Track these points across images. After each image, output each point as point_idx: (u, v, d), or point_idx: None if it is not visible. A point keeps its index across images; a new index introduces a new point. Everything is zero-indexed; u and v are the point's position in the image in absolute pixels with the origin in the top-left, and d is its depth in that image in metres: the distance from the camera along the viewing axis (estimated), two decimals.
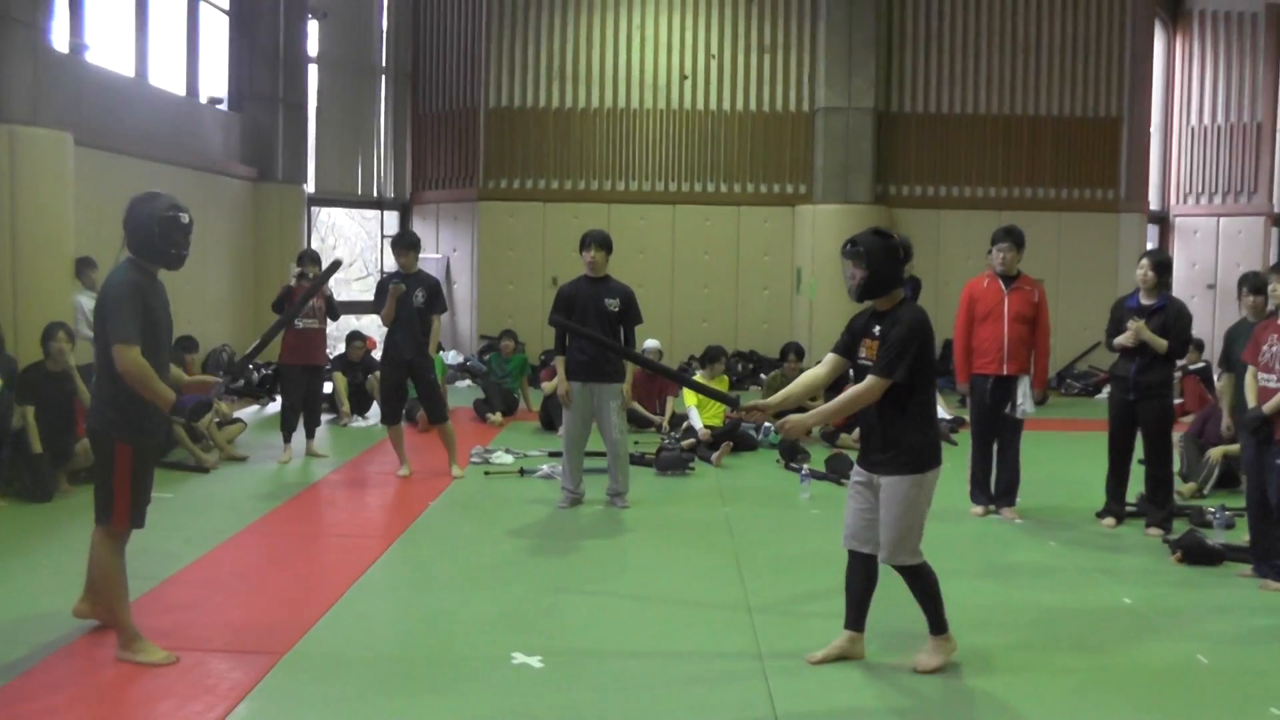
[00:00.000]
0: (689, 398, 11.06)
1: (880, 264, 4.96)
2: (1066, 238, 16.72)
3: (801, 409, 5.37)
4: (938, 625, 5.09)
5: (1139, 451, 7.87)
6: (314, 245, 18.17)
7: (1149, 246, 16.52)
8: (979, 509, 8.24)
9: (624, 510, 8.26)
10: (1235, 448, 9.09)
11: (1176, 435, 8.37)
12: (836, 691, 4.85)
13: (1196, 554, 6.94)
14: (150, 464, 5.14)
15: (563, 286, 8.34)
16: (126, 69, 12.93)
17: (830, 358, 5.24)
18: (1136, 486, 8.11)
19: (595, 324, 8.04)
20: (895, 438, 4.93)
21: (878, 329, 4.99)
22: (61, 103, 10.28)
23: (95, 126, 11.44)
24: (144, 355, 4.89)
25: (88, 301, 10.27)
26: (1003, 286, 8.07)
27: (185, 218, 5.11)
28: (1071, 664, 5.22)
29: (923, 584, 5.07)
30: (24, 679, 4.79)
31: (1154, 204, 18.27)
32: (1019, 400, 7.95)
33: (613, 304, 8.14)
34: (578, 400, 8.20)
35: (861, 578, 5.18)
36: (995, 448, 8.17)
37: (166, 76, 13.97)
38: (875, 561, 5.11)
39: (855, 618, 5.23)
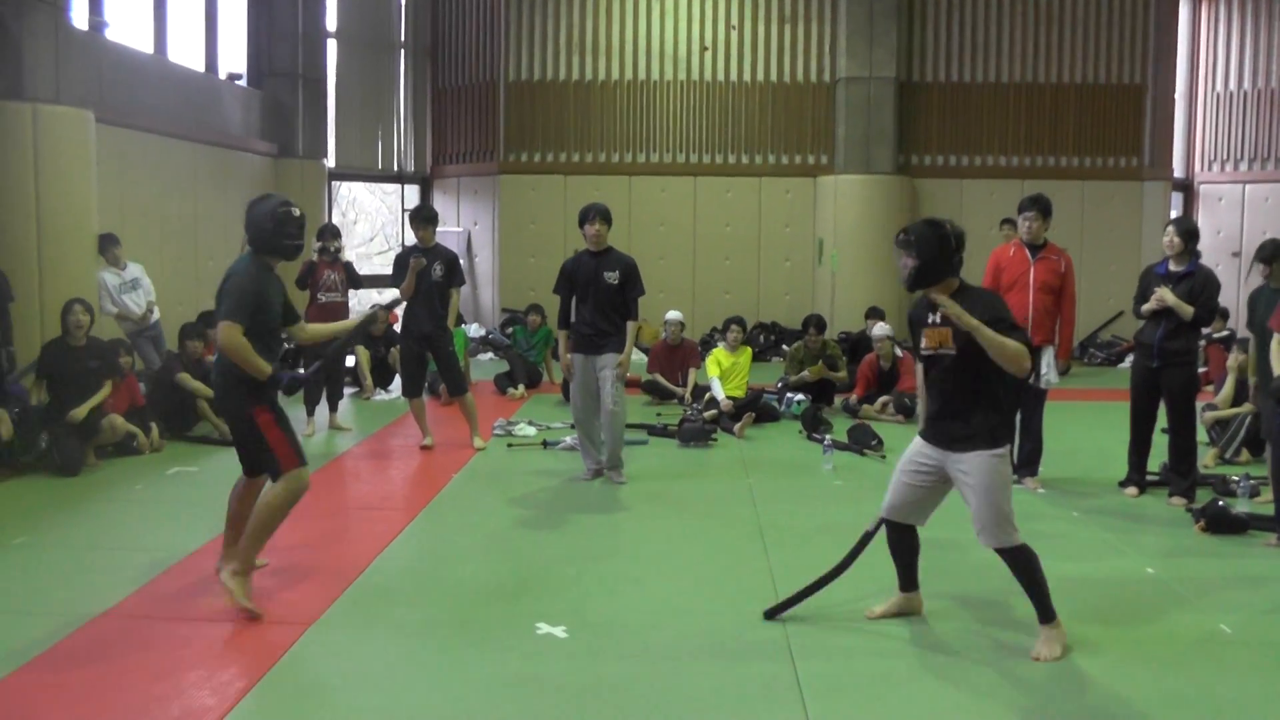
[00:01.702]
0: (711, 369, 11.07)
1: (931, 252, 4.92)
2: (1090, 206, 16.61)
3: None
4: (1045, 613, 4.94)
5: (1162, 420, 7.84)
6: (335, 220, 18.22)
7: (1173, 214, 16.41)
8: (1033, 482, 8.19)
9: (621, 484, 8.21)
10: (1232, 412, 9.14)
11: (1200, 404, 8.32)
12: (861, 660, 4.86)
13: (1220, 523, 6.91)
14: (281, 409, 5.48)
15: (565, 262, 8.38)
16: (146, 46, 12.96)
17: (918, 366, 5.25)
18: (1159, 456, 8.08)
19: (596, 297, 8.10)
20: (979, 413, 4.90)
21: (935, 317, 4.97)
22: (83, 81, 10.33)
23: (116, 104, 11.48)
24: (252, 336, 5.29)
25: (111, 278, 10.35)
26: (1029, 255, 8.02)
27: (296, 211, 5.54)
28: (1094, 634, 5.21)
29: (1026, 566, 4.94)
30: (57, 649, 4.86)
31: (1178, 171, 18.12)
32: (1043, 370, 7.91)
33: (612, 277, 8.13)
34: (581, 372, 8.23)
35: (907, 543, 5.29)
36: (1019, 418, 8.14)
37: (186, 53, 14.00)
38: (914, 530, 5.22)
39: (907, 580, 5.33)
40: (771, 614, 5.29)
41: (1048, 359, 7.93)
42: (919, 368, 5.25)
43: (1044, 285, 7.94)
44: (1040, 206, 8.04)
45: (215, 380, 5.56)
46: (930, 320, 5.00)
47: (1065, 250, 8.26)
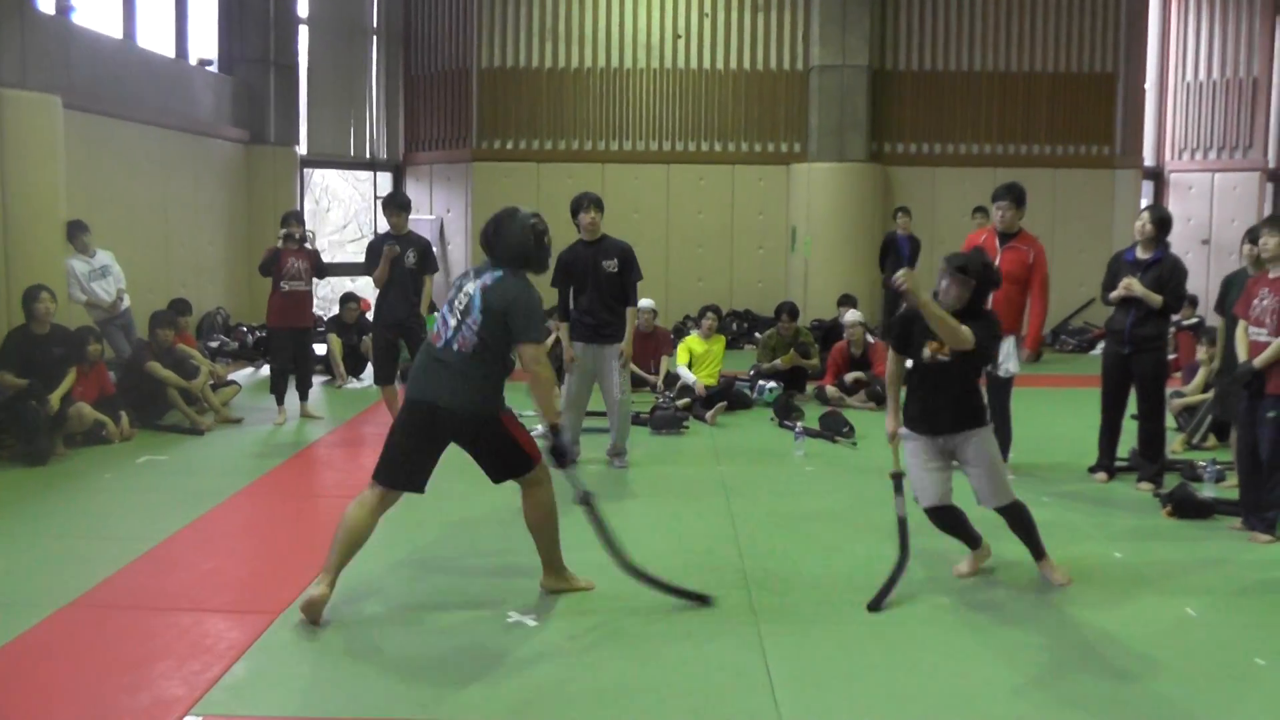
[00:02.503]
0: (681, 356, 11.08)
1: (983, 286, 5.58)
2: (1062, 194, 16.70)
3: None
4: (1038, 552, 5.78)
5: (1132, 407, 7.90)
6: (307, 207, 18.15)
7: (1144, 202, 16.52)
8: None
9: (624, 469, 8.29)
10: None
11: (1169, 390, 8.39)
12: (828, 647, 4.89)
13: (1187, 508, 6.98)
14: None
15: (561, 253, 8.14)
16: (115, 31, 12.85)
17: (894, 355, 5.79)
18: (1129, 442, 8.14)
19: (594, 285, 8.08)
20: (974, 400, 5.65)
21: None
22: (50, 66, 10.23)
23: (84, 89, 11.38)
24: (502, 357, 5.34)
25: (80, 265, 10.27)
26: (998, 245, 8.05)
27: (543, 223, 5.53)
28: (1062, 616, 5.27)
29: (1022, 517, 5.74)
30: (24, 638, 4.83)
31: (1149, 160, 18.23)
32: (1001, 359, 7.93)
33: (610, 265, 8.13)
34: (582, 361, 8.21)
35: (954, 517, 5.73)
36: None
37: (156, 38, 13.88)
38: (953, 506, 5.72)
39: (972, 540, 5.82)
40: (874, 606, 5.39)
41: (1008, 348, 7.92)
42: (893, 358, 5.77)
43: (1008, 275, 7.93)
44: (1014, 196, 8.05)
45: (463, 387, 5.19)
46: None
47: (1038, 239, 8.28)
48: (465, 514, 7.04)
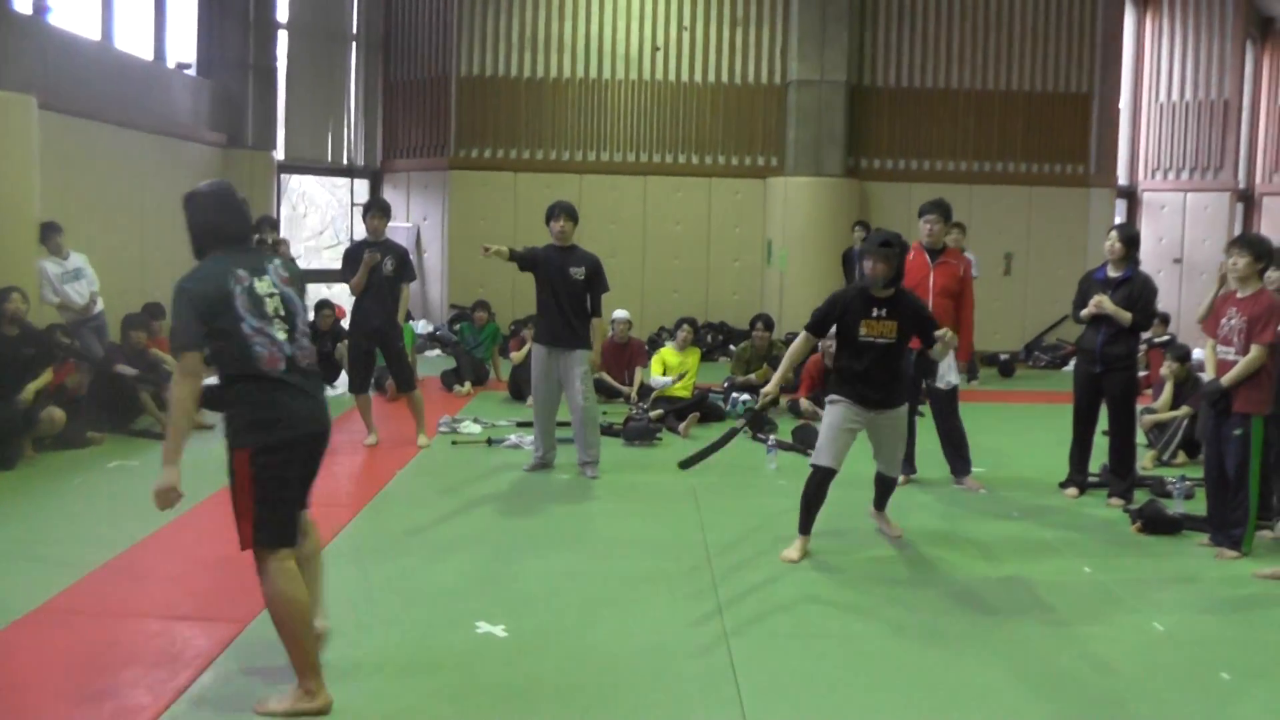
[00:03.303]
0: (655, 368, 11.10)
1: (901, 261, 6.29)
2: (1036, 212, 16.79)
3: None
4: (882, 503, 6.96)
5: (1103, 423, 7.95)
6: (284, 212, 18.06)
7: (1117, 221, 16.63)
8: (902, 477, 8.09)
9: (596, 479, 8.29)
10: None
11: (1140, 407, 8.45)
12: (798, 660, 4.90)
13: (1156, 524, 7.03)
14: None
15: (533, 246, 8.47)
16: (93, 32, 12.78)
17: (805, 335, 6.43)
18: (1100, 458, 8.20)
19: (562, 291, 8.18)
20: (899, 382, 6.41)
21: (880, 311, 6.19)
22: (25, 66, 10.16)
23: (60, 90, 11.30)
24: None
25: (53, 267, 10.19)
26: (929, 260, 8.07)
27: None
28: (1031, 632, 5.29)
29: (892, 485, 6.90)
30: None
31: (1122, 179, 18.36)
32: (942, 371, 7.97)
33: (578, 272, 8.22)
34: (544, 363, 8.28)
35: (827, 484, 6.36)
36: (936, 425, 8.24)
37: (133, 40, 13.81)
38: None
39: (810, 523, 6.40)
40: (685, 465, 6.85)
41: (947, 361, 7.95)
42: (804, 339, 6.42)
43: (943, 290, 8.00)
44: (941, 210, 8.12)
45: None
46: (875, 314, 6.19)
47: (965, 254, 8.32)
48: (435, 525, 7.02)
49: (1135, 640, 5.24)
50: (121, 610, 5.28)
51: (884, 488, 6.86)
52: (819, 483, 6.35)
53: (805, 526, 6.39)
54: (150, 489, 4.20)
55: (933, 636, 5.20)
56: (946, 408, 8.20)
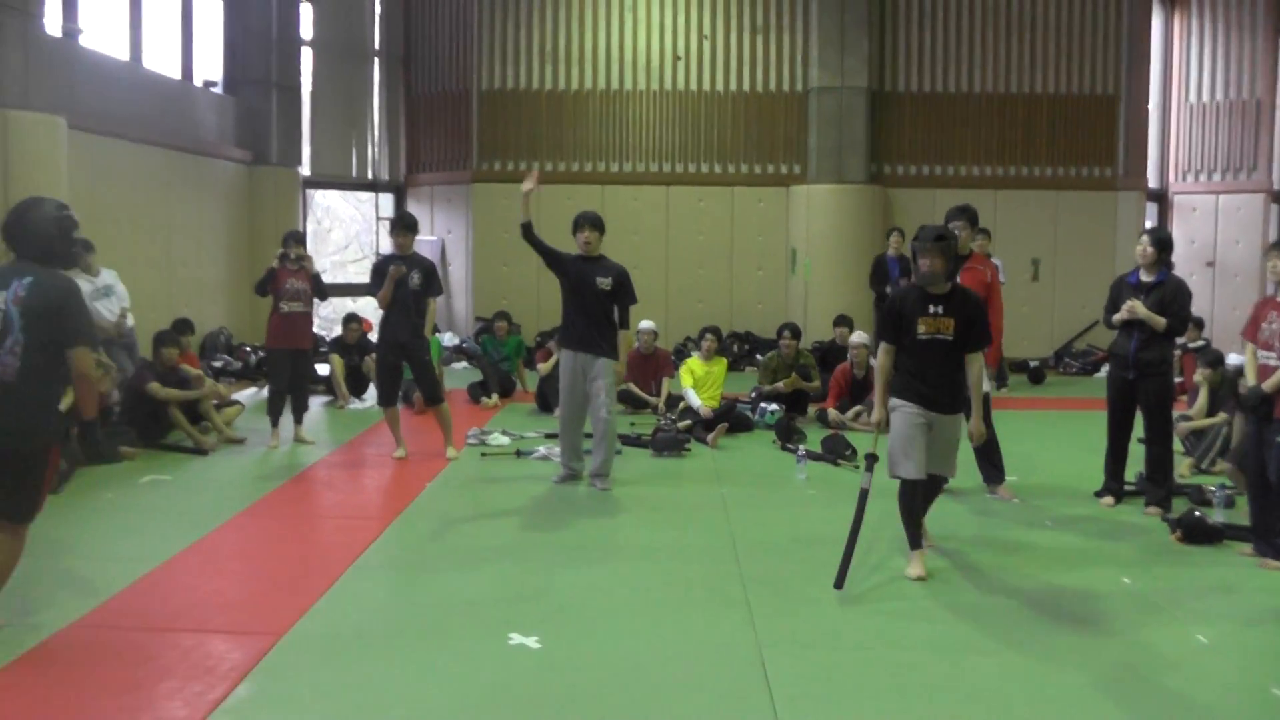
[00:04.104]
0: (685, 379, 11.05)
1: (954, 254, 6.16)
2: (1064, 216, 16.70)
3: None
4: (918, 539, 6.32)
5: (1138, 430, 7.86)
6: (309, 228, 18.15)
7: (1147, 224, 16.52)
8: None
9: (606, 491, 8.24)
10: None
11: (1175, 414, 8.35)
12: (834, 672, 4.84)
13: (1196, 533, 6.93)
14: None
15: (562, 253, 8.40)
16: (121, 53, 12.87)
17: (886, 346, 6.27)
18: (1136, 466, 8.11)
19: (588, 301, 8.16)
20: (960, 386, 6.16)
21: (937, 309, 6.05)
22: (55, 87, 10.24)
23: (89, 110, 11.39)
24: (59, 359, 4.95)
25: (84, 285, 10.22)
26: None
27: (71, 216, 5.08)
28: (1070, 643, 5.22)
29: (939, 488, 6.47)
30: (25, 658, 4.78)
31: (1152, 182, 18.23)
32: None
33: (605, 282, 8.20)
34: (570, 373, 8.23)
35: (925, 494, 6.25)
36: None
37: (161, 60, 13.90)
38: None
39: (919, 536, 6.22)
40: (839, 583, 5.91)
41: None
42: (885, 351, 6.24)
43: None
44: (968, 216, 8.07)
45: (19, 418, 4.86)
46: (932, 310, 6.06)
47: (991, 259, 8.24)
48: (465, 537, 7.00)
49: (1178, 652, 5.14)
50: (157, 624, 5.27)
51: (931, 489, 6.38)
52: (910, 494, 6.15)
53: (915, 541, 6.20)
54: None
55: (968, 648, 5.14)
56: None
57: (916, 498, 6.16)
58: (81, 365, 4.91)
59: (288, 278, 9.83)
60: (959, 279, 7.93)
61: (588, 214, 8.43)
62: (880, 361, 6.31)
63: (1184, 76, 18.34)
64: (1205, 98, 18.08)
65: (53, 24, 10.91)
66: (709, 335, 11.44)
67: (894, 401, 6.19)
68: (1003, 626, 5.43)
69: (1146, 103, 17.61)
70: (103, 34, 12.50)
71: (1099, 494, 8.07)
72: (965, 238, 8.06)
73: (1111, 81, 16.95)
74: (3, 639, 4.99)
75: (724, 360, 11.52)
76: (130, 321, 10.66)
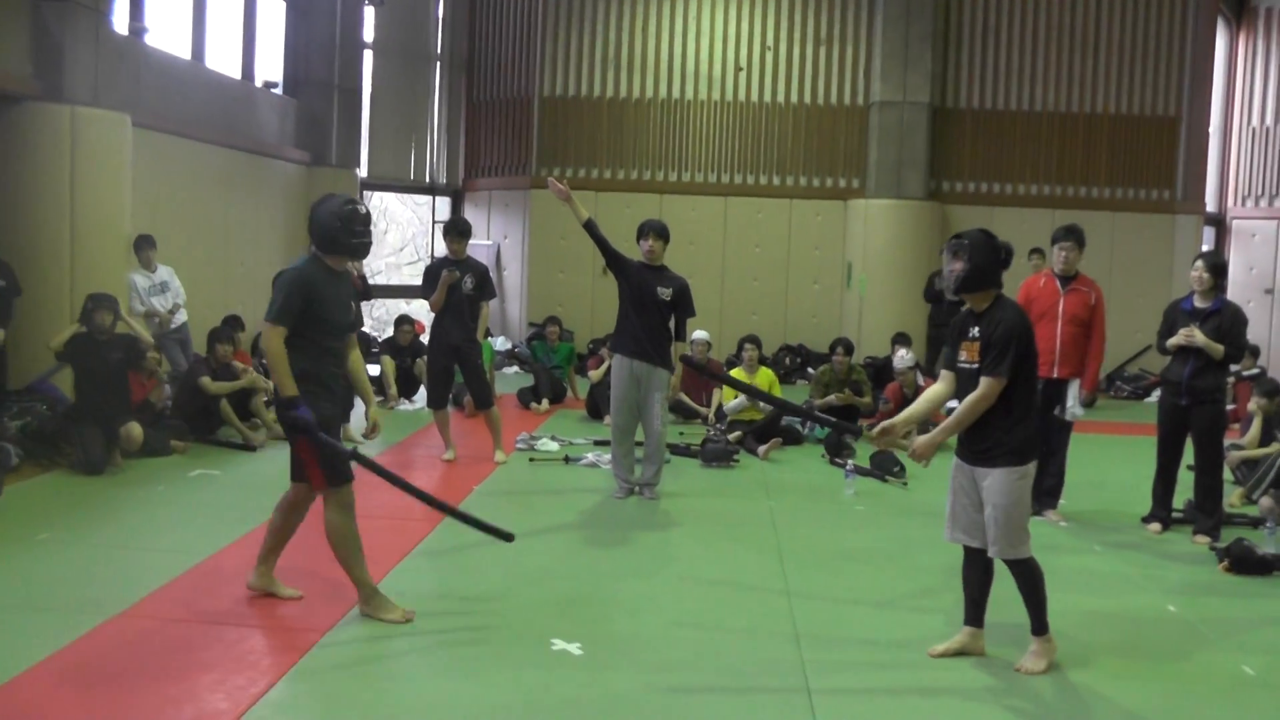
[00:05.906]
0: (728, 394, 11.02)
1: (981, 259, 5.05)
2: (1121, 238, 16.50)
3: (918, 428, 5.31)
4: (1040, 625, 5.08)
5: (1188, 457, 7.77)
6: None
7: (1204, 248, 16.29)
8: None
9: (654, 501, 8.25)
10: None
11: (1227, 442, 8.24)
12: (875, 688, 4.83)
13: (1245, 563, 6.82)
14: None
15: (628, 258, 8.33)
16: (184, 53, 13.07)
17: (945, 374, 5.28)
18: (1185, 493, 8.00)
19: (648, 309, 8.11)
20: (1000, 431, 4.96)
21: (975, 330, 5.06)
22: (121, 85, 10.42)
23: (153, 108, 11.57)
24: (302, 343, 5.35)
25: (141, 280, 10.43)
26: (1059, 287, 7.98)
27: (362, 209, 5.48)
28: (1114, 670, 5.16)
29: (1030, 579, 5.05)
30: (72, 647, 4.88)
31: (1211, 205, 17.97)
32: (1069, 403, 7.86)
33: (665, 293, 8.16)
34: (626, 381, 8.19)
35: (979, 572, 5.19)
36: (1044, 450, 8.08)
37: (223, 60, 14.10)
38: (987, 559, 5.13)
39: (974, 614, 5.23)
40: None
41: (1073, 392, 7.89)
42: (945, 379, 5.27)
43: (1073, 318, 7.90)
44: (1075, 237, 8.01)
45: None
46: (971, 334, 5.07)
47: (1096, 282, 8.21)
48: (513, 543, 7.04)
49: (1224, 683, 5.08)
50: (202, 617, 5.35)
51: (1021, 585, 5.13)
52: (963, 564, 5.29)
53: (967, 614, 5.28)
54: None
55: (1008, 671, 5.09)
56: (1061, 441, 8.06)
57: (965, 566, 5.26)
58: (264, 342, 5.37)
59: None
60: (1063, 300, 7.89)
61: (653, 223, 8.39)
62: (935, 390, 5.36)
63: (1246, 99, 18.06)
64: (1268, 121, 17.78)
65: (120, 22, 11.09)
66: (748, 345, 11.34)
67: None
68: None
69: (1207, 125, 17.36)
70: (167, 33, 12.70)
71: (1146, 520, 7.97)
72: (1075, 259, 8.01)
73: (1173, 103, 16.75)
74: (52, 626, 5.09)
75: (768, 371, 11.45)
76: (183, 316, 10.83)
